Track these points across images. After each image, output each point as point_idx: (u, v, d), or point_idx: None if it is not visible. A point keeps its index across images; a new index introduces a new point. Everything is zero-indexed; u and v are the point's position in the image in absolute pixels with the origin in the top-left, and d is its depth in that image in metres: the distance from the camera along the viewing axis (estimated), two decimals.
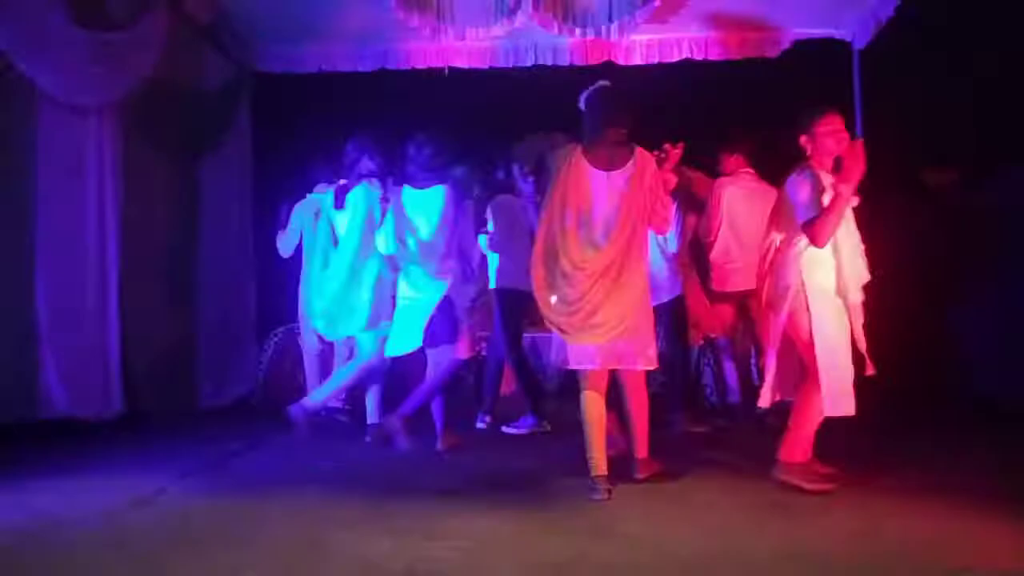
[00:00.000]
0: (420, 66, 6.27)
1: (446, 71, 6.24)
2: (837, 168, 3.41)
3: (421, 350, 4.41)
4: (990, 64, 5.27)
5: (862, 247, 3.56)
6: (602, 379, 3.57)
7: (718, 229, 5.20)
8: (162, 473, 3.80)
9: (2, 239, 4.56)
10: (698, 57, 6.14)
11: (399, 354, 4.44)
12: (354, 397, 5.25)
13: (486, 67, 6.24)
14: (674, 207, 4.29)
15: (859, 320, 3.50)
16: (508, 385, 5.51)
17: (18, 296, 4.64)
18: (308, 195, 5.54)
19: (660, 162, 3.58)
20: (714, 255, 5.25)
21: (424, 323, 4.30)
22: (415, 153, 4.46)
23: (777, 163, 3.98)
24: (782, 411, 3.67)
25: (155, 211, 5.55)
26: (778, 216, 3.61)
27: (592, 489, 3.39)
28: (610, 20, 5.60)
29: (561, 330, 3.49)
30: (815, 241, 3.37)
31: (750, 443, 4.50)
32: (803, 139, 3.58)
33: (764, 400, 3.59)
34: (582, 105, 3.76)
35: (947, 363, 5.51)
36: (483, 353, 6.48)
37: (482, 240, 5.04)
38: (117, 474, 3.84)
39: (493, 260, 5.27)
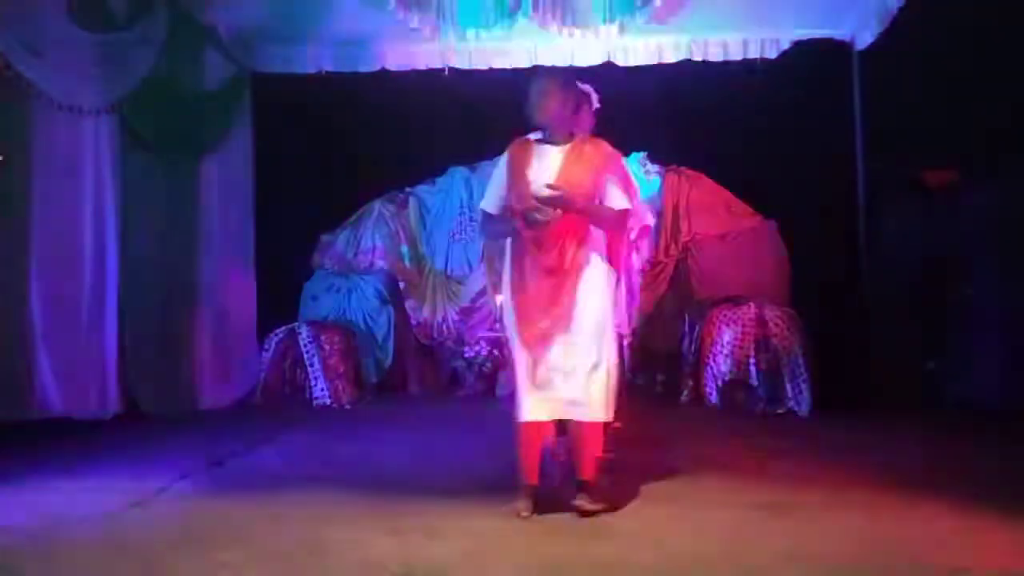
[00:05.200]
0: (420, 66, 6.27)
1: (446, 71, 6.24)
2: None
3: None
4: (990, 64, 5.27)
5: None
6: None
7: None
8: (162, 473, 3.79)
9: None
10: (698, 57, 6.14)
11: None
12: None
13: (486, 67, 6.24)
14: None
15: None
16: None
17: (15, 296, 4.64)
18: None
19: None
20: None
21: None
22: None
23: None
24: None
25: (154, 211, 5.55)
26: None
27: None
28: (610, 20, 5.61)
29: None
30: None
31: (750, 442, 4.50)
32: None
33: None
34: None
35: (944, 363, 5.51)
36: (482, 353, 6.50)
37: None
38: (116, 474, 3.83)
39: None
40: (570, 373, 3.15)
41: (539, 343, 3.17)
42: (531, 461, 3.28)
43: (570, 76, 3.42)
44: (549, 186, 3.13)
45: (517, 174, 3.25)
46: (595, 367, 3.15)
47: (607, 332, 3.22)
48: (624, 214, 3.30)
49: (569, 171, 3.20)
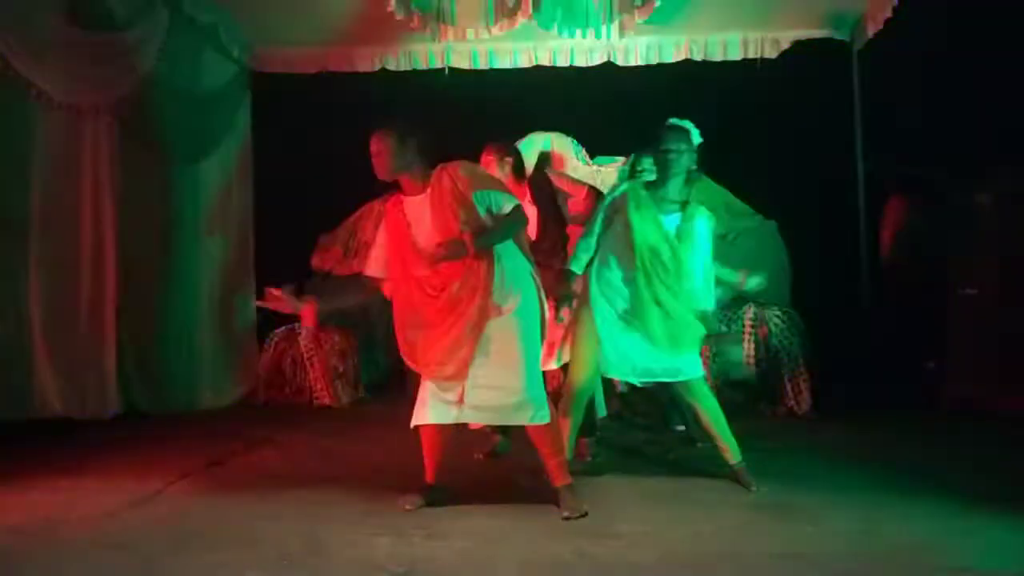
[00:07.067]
0: (420, 66, 6.27)
1: (446, 71, 6.24)
2: None
3: None
4: (990, 64, 5.27)
5: None
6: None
7: None
8: (162, 473, 3.80)
9: None
10: (698, 57, 6.14)
11: None
12: None
13: (486, 67, 6.24)
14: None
15: None
16: None
17: (13, 295, 4.64)
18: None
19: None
20: None
21: None
22: None
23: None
24: None
25: (153, 211, 5.54)
26: None
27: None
28: (610, 20, 5.61)
29: None
30: None
31: (750, 442, 4.49)
32: None
33: None
34: None
35: (944, 363, 5.50)
36: None
37: None
38: (116, 474, 3.83)
39: None
40: (492, 388, 3.16)
41: (446, 380, 3.20)
42: (431, 460, 3.35)
43: (396, 122, 3.34)
44: (438, 245, 3.13)
45: (401, 238, 3.25)
46: (521, 381, 3.15)
47: (526, 359, 3.17)
48: (517, 209, 3.24)
49: (440, 217, 3.18)
